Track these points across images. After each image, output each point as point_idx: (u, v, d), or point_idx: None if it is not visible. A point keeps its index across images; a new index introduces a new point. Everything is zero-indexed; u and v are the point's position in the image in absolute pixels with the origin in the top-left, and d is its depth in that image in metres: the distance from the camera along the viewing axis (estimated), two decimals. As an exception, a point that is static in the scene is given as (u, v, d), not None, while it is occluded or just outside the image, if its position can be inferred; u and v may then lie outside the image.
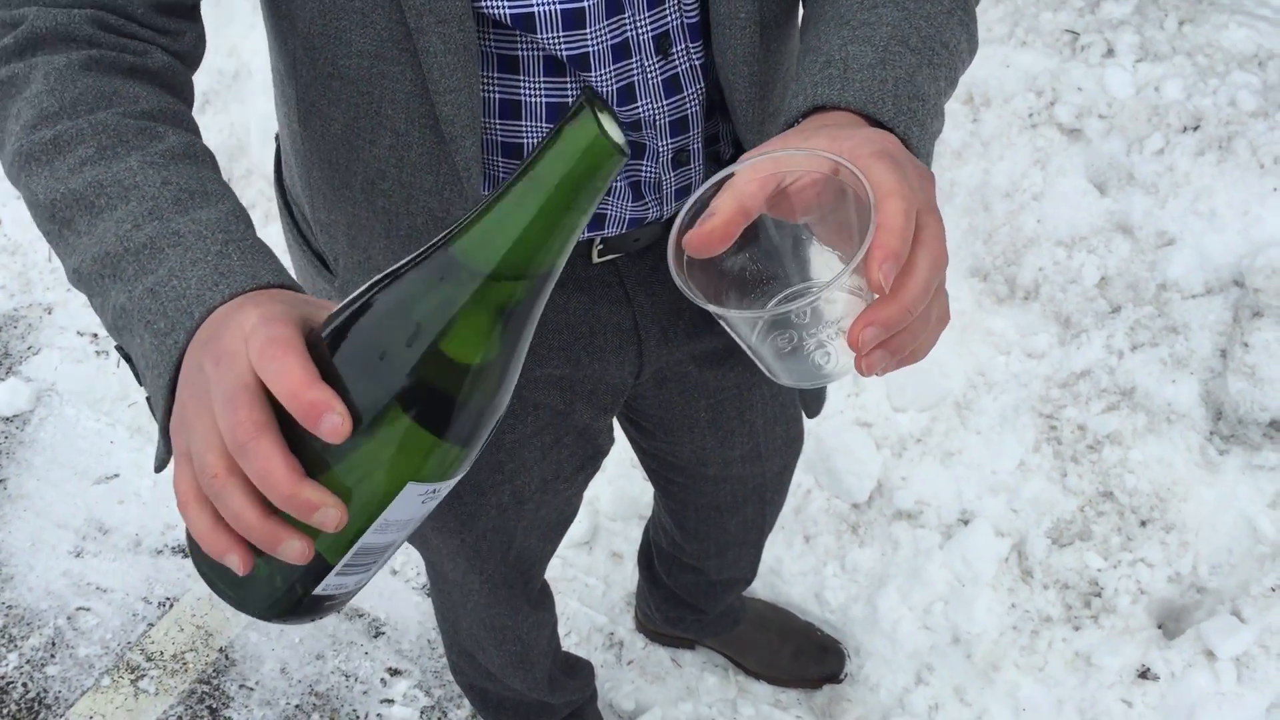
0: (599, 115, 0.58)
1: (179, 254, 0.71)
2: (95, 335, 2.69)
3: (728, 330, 0.69)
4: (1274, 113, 2.36)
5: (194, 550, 0.68)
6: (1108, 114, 2.44)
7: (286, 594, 0.67)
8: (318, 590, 0.67)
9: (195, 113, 2.86)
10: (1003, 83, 2.53)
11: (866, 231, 0.62)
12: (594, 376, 1.19)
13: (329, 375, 0.61)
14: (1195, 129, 2.39)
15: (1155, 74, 2.45)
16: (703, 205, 0.67)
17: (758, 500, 1.60)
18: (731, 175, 0.67)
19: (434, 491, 0.66)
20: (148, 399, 0.72)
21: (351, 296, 0.64)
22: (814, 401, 1.47)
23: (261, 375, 0.60)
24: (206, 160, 0.81)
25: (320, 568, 0.66)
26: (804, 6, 0.94)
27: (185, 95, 0.88)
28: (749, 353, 0.71)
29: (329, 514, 0.60)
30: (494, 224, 0.61)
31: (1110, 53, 2.51)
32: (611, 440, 1.35)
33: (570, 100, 0.94)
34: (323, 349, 0.63)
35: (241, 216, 0.76)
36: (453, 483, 0.67)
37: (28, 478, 2.47)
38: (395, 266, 0.63)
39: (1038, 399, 2.29)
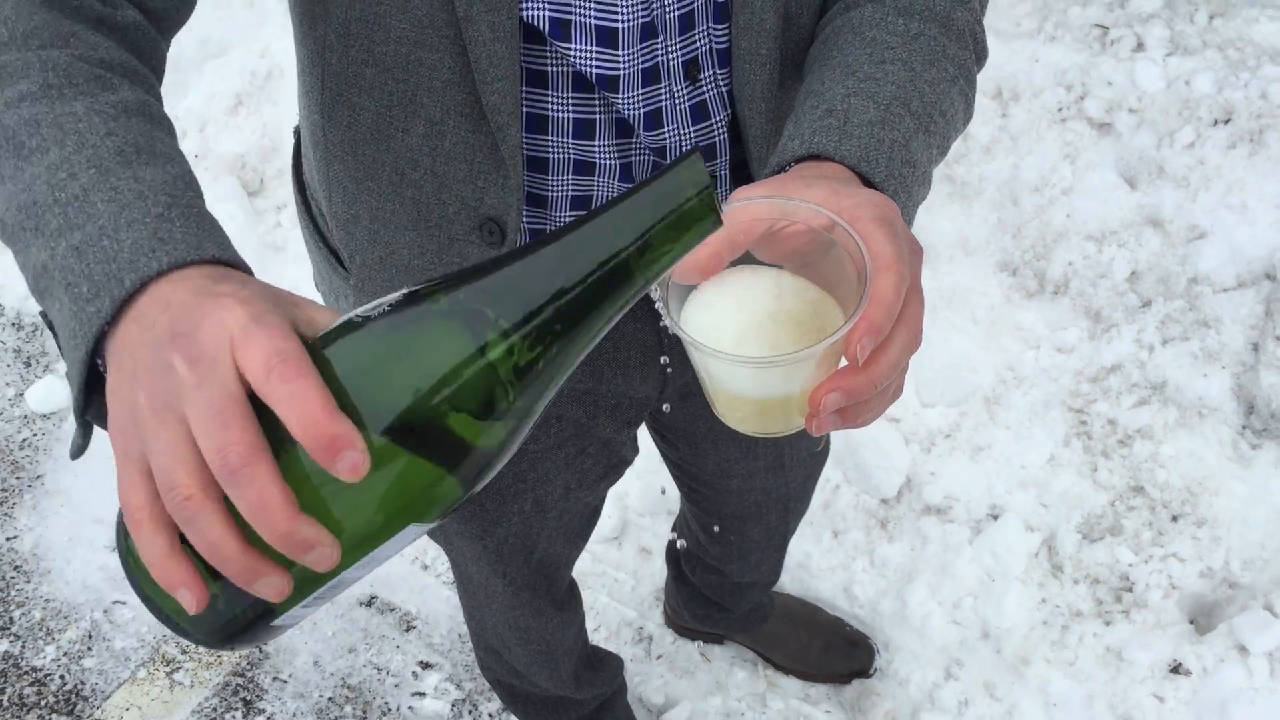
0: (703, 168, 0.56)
1: (113, 211, 0.63)
2: (130, 333, 2.72)
3: (691, 358, 0.69)
4: (1306, 105, 2.34)
5: (130, 564, 0.60)
6: (1138, 108, 2.43)
7: (238, 622, 0.59)
8: (278, 616, 0.60)
9: (227, 114, 2.91)
10: (1032, 77, 2.52)
11: (856, 298, 0.63)
12: (618, 391, 1.19)
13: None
14: (1226, 122, 2.38)
15: (1186, 68, 2.44)
16: None
17: (780, 509, 1.60)
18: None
19: (429, 529, 0.60)
20: (68, 374, 0.63)
21: (370, 312, 0.57)
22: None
23: (267, 395, 0.53)
24: (162, 123, 0.74)
25: (290, 600, 0.59)
26: (812, 45, 0.94)
27: (151, 59, 0.81)
28: (704, 385, 0.71)
29: (324, 554, 0.53)
30: (544, 270, 0.56)
31: (1140, 47, 2.50)
32: (636, 451, 1.35)
33: (597, 116, 0.94)
34: (325, 365, 0.55)
35: (191, 184, 0.69)
36: (442, 519, 0.62)
37: (64, 473, 2.50)
38: (425, 287, 0.57)
39: (1068, 394, 2.28)
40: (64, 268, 0.62)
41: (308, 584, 0.58)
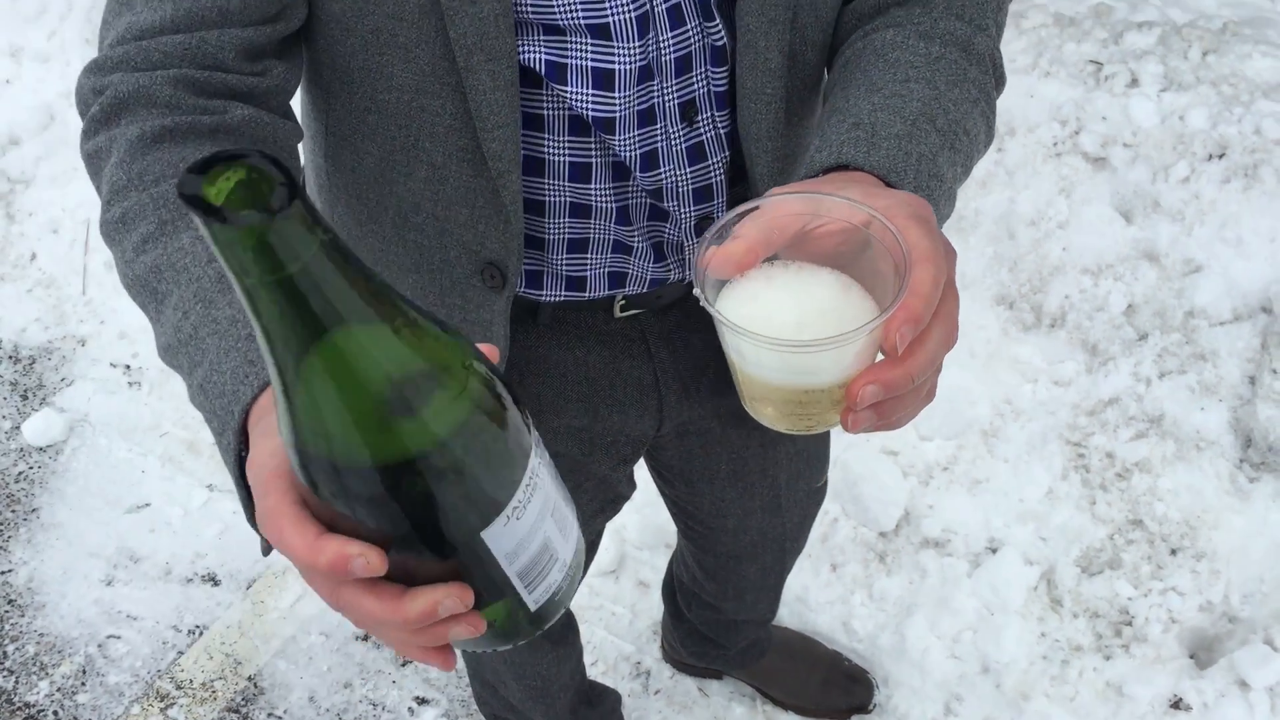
0: (217, 185, 0.45)
1: (216, 343, 0.70)
2: (127, 367, 2.72)
3: (725, 350, 0.69)
4: (1300, 140, 2.36)
5: None
6: (1132, 143, 2.45)
7: (515, 625, 0.64)
8: (533, 608, 0.63)
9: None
10: (1027, 112, 2.54)
11: (894, 293, 0.62)
12: (614, 428, 1.19)
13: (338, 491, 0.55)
14: (1221, 157, 2.39)
15: (1180, 103, 2.46)
16: (729, 227, 0.67)
17: (777, 549, 1.60)
18: (758, 207, 0.68)
19: (515, 509, 0.58)
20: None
21: (284, 426, 0.54)
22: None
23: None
24: None
25: (511, 604, 0.62)
26: (830, 72, 0.95)
27: (273, 142, 0.85)
28: (737, 378, 0.70)
29: (450, 604, 0.57)
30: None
31: (1134, 82, 2.52)
32: (633, 487, 1.34)
33: (593, 159, 0.93)
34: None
35: None
36: (527, 485, 0.59)
37: (60, 507, 2.49)
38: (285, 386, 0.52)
39: (1065, 426, 2.29)
40: (200, 404, 0.70)
41: (491, 595, 0.60)
